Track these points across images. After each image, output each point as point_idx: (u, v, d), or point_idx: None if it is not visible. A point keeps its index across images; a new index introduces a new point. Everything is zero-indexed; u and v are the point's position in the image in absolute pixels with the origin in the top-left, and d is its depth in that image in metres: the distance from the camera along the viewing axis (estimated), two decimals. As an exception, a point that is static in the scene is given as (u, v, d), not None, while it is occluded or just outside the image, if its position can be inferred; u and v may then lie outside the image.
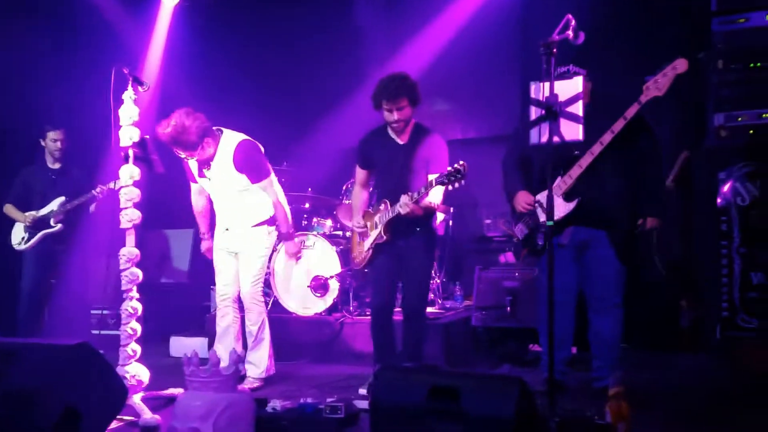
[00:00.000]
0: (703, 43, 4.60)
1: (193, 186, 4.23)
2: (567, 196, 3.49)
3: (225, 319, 4.14)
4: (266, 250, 4.15)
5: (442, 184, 3.40)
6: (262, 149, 4.11)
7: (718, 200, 4.44)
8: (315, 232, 5.24)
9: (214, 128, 3.95)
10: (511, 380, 2.55)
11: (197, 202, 4.26)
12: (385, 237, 3.72)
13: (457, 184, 3.36)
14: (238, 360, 2.81)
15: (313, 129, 6.33)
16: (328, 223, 5.47)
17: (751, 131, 4.36)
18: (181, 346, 5.02)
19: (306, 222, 5.58)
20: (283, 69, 6.52)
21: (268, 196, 4.06)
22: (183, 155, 3.89)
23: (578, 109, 2.89)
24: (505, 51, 5.82)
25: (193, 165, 4.07)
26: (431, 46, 5.91)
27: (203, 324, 5.26)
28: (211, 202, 4.23)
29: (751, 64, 4.41)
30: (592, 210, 3.48)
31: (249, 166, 3.96)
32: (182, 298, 5.96)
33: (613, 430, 2.70)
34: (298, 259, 4.45)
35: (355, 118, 5.17)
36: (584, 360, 4.31)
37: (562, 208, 3.48)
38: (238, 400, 2.75)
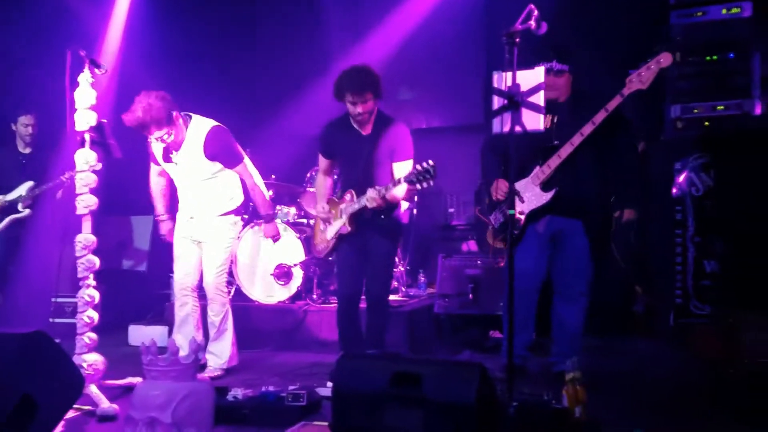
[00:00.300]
0: (661, 36, 4.70)
1: (154, 167, 4.15)
2: (545, 186, 3.54)
3: (184, 308, 4.08)
4: (231, 241, 4.12)
5: (411, 183, 3.39)
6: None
7: (674, 190, 4.56)
8: (278, 220, 5.20)
9: (182, 113, 3.89)
10: (472, 366, 2.58)
11: (157, 184, 4.17)
12: (349, 228, 3.71)
13: (425, 184, 3.35)
14: (198, 349, 2.78)
15: (276, 115, 6.28)
16: (292, 210, 5.44)
17: (706, 123, 4.49)
18: (140, 334, 4.95)
19: (269, 209, 5.52)
20: (246, 54, 6.44)
21: (245, 179, 4.03)
22: (155, 136, 3.78)
23: (540, 99, 2.92)
24: (469, 40, 5.85)
25: (158, 149, 3.99)
26: (396, 34, 5.90)
27: (163, 312, 5.20)
28: (171, 183, 4.15)
29: (708, 57, 4.53)
30: (569, 200, 3.54)
31: (223, 152, 3.92)
32: (142, 286, 5.86)
33: (570, 414, 2.76)
34: (276, 240, 4.37)
35: (319, 104, 5.14)
36: (543, 345, 4.40)
37: (539, 198, 3.55)
38: (197, 389, 2.71)
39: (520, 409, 2.65)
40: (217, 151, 3.90)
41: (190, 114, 3.96)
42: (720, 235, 4.41)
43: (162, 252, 4.31)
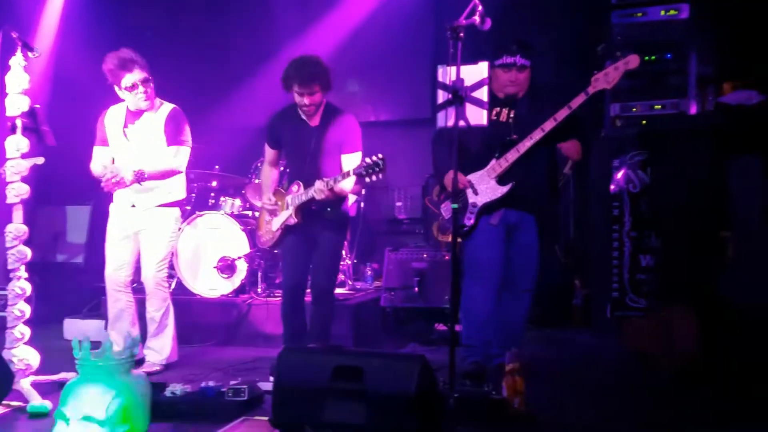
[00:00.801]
0: (602, 36, 4.81)
1: (98, 151, 3.93)
2: (501, 180, 3.55)
3: (117, 304, 3.95)
4: (174, 234, 4.01)
5: (360, 176, 3.39)
6: None
7: (612, 187, 4.69)
8: (223, 212, 5.11)
9: None
10: (414, 358, 2.61)
11: (99, 170, 3.91)
12: (296, 219, 3.68)
13: (374, 177, 3.36)
14: (134, 344, 2.71)
15: (222, 105, 6.16)
16: (237, 202, 5.34)
17: (644, 121, 4.62)
18: (76, 328, 4.79)
19: (213, 201, 5.43)
20: (191, 42, 6.29)
21: (177, 163, 3.89)
22: (133, 79, 3.72)
23: (483, 94, 2.95)
24: (418, 34, 5.86)
25: (114, 120, 3.86)
26: (345, 25, 5.87)
27: (99, 305, 5.02)
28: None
29: (647, 57, 4.65)
30: (524, 194, 3.56)
31: (176, 127, 3.86)
32: (78, 278, 5.67)
33: (509, 405, 2.82)
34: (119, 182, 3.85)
35: (266, 94, 5.07)
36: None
37: (495, 191, 3.56)
38: (132, 385, 2.65)
39: (460, 401, 2.68)
40: (173, 123, 3.85)
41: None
42: (655, 231, 4.56)
43: (99, 243, 4.15)
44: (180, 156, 3.91)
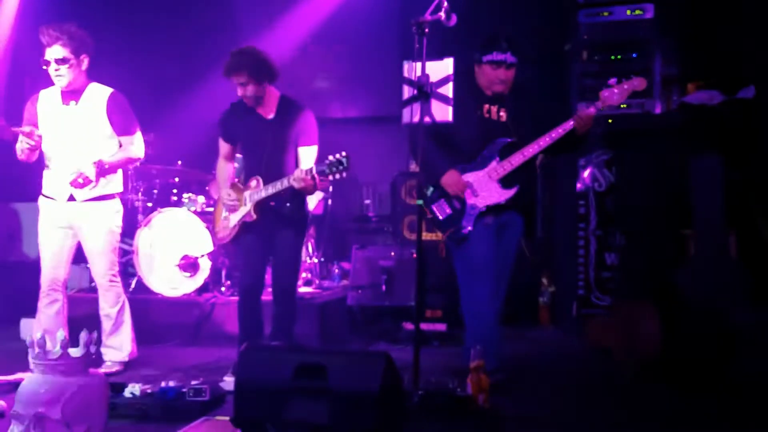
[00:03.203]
0: (568, 34, 4.85)
1: (23, 136, 3.63)
2: (504, 182, 3.44)
3: (54, 306, 3.77)
4: (117, 227, 3.83)
5: (323, 174, 3.34)
6: None
7: (578, 185, 4.73)
8: (186, 209, 5.01)
9: None
10: (377, 356, 2.57)
11: (29, 158, 3.71)
12: (254, 216, 3.61)
13: (338, 176, 3.31)
14: (90, 341, 2.62)
15: (184, 99, 6.04)
16: (200, 199, 5.24)
17: (610, 120, 4.67)
18: (32, 328, 4.63)
19: (176, 197, 5.31)
20: (153, 35, 6.16)
21: (133, 152, 3.77)
22: (49, 56, 3.55)
23: (449, 90, 2.93)
24: (385, 30, 5.83)
25: (45, 104, 3.67)
26: (311, 21, 5.81)
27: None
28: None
29: (612, 56, 4.71)
30: (521, 197, 3.49)
31: (124, 113, 3.71)
32: (34, 277, 5.49)
33: (473, 402, 2.80)
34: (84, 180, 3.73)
35: (228, 89, 4.97)
36: (455, 336, 4.47)
37: (499, 194, 3.44)
38: (89, 384, 2.56)
39: (425, 398, 2.66)
40: (120, 110, 3.69)
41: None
42: (620, 229, 4.61)
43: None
44: (137, 143, 3.79)
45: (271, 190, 3.53)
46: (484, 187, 3.44)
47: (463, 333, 3.79)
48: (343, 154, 3.31)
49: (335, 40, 5.84)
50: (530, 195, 3.66)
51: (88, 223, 3.73)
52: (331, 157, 3.34)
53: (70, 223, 3.74)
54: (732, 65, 4.60)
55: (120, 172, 3.87)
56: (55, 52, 3.57)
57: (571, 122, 3.33)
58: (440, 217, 3.52)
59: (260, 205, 3.60)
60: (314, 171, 3.36)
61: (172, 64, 6.19)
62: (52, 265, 3.76)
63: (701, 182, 3.97)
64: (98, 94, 3.73)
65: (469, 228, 3.43)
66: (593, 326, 4.35)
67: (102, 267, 3.78)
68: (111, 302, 3.83)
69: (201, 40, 6.12)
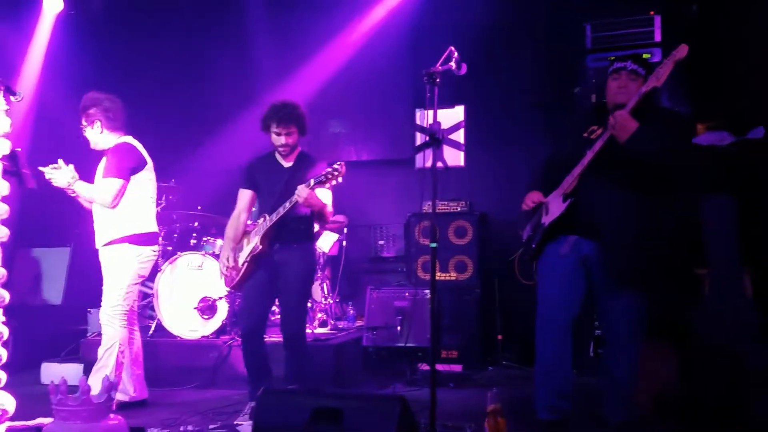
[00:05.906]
0: (577, 78, 4.95)
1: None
2: (565, 197, 3.11)
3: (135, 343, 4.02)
4: (127, 270, 3.91)
5: (320, 183, 3.49)
6: (147, 157, 4.04)
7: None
8: (204, 252, 5.10)
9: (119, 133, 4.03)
10: (393, 399, 2.59)
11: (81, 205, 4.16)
12: (261, 246, 3.68)
13: (334, 182, 3.47)
14: (111, 387, 2.68)
15: (204, 146, 6.22)
16: (219, 242, 5.34)
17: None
18: (54, 372, 4.70)
19: (195, 241, 5.42)
20: (175, 85, 6.37)
21: (96, 194, 3.91)
22: (82, 122, 3.97)
23: (460, 136, 3.01)
24: (398, 75, 5.96)
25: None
26: (325, 68, 5.98)
27: (78, 349, 4.95)
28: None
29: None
30: (596, 221, 3.07)
31: (109, 161, 3.93)
32: (56, 322, 5.58)
33: (490, 446, 2.79)
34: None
35: (247, 136, 5.13)
36: (471, 378, 4.44)
37: (558, 207, 3.11)
38: (110, 430, 2.61)
39: (441, 442, 2.66)
40: (110, 157, 3.94)
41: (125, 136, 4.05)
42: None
43: (78, 286, 4.13)
44: (104, 187, 3.89)
45: (275, 217, 3.64)
46: (553, 202, 3.15)
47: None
48: (340, 162, 3.49)
49: (349, 87, 5.99)
50: (619, 224, 3.03)
51: (103, 266, 3.97)
52: (327, 168, 3.50)
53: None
54: (740, 105, 4.65)
55: (134, 214, 3.96)
56: (86, 117, 4.02)
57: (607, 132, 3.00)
58: (523, 238, 3.34)
59: (267, 235, 3.70)
60: (312, 182, 3.51)
61: (192, 113, 6.38)
62: None
63: (714, 222, 3.98)
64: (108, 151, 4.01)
65: (533, 246, 3.17)
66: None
67: (104, 307, 3.92)
68: (103, 341, 3.89)
69: (220, 90, 6.32)
